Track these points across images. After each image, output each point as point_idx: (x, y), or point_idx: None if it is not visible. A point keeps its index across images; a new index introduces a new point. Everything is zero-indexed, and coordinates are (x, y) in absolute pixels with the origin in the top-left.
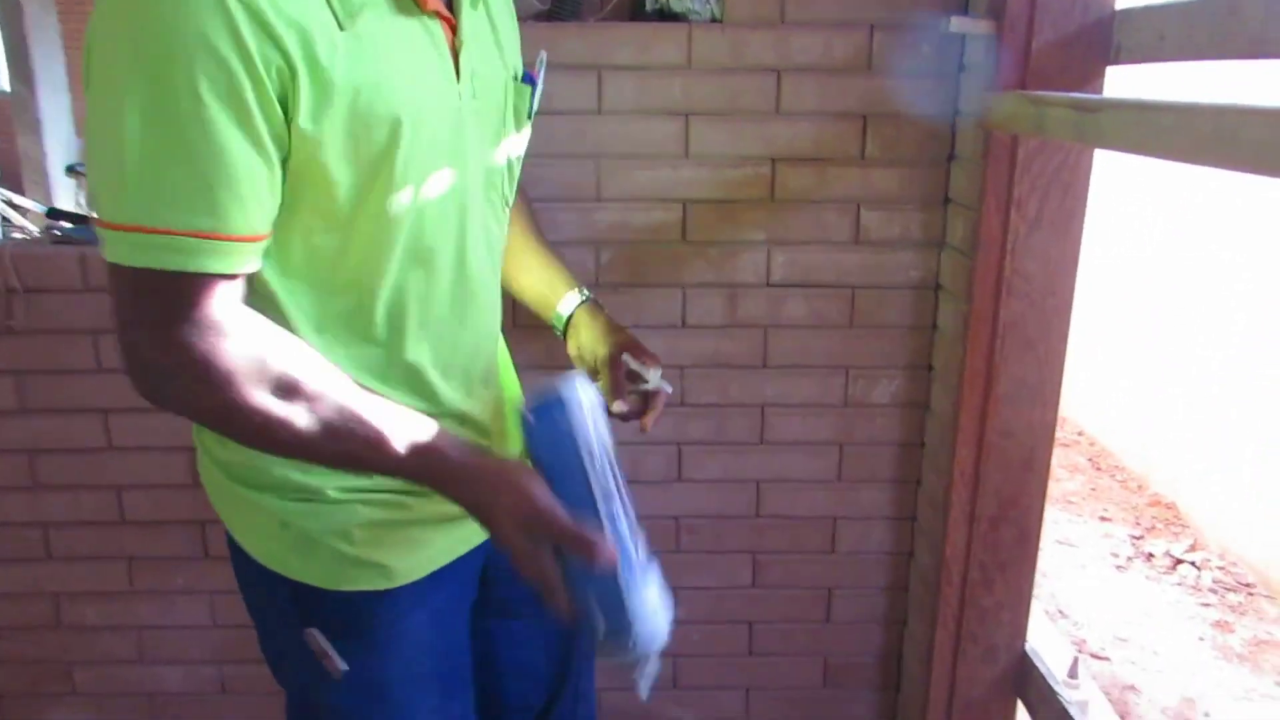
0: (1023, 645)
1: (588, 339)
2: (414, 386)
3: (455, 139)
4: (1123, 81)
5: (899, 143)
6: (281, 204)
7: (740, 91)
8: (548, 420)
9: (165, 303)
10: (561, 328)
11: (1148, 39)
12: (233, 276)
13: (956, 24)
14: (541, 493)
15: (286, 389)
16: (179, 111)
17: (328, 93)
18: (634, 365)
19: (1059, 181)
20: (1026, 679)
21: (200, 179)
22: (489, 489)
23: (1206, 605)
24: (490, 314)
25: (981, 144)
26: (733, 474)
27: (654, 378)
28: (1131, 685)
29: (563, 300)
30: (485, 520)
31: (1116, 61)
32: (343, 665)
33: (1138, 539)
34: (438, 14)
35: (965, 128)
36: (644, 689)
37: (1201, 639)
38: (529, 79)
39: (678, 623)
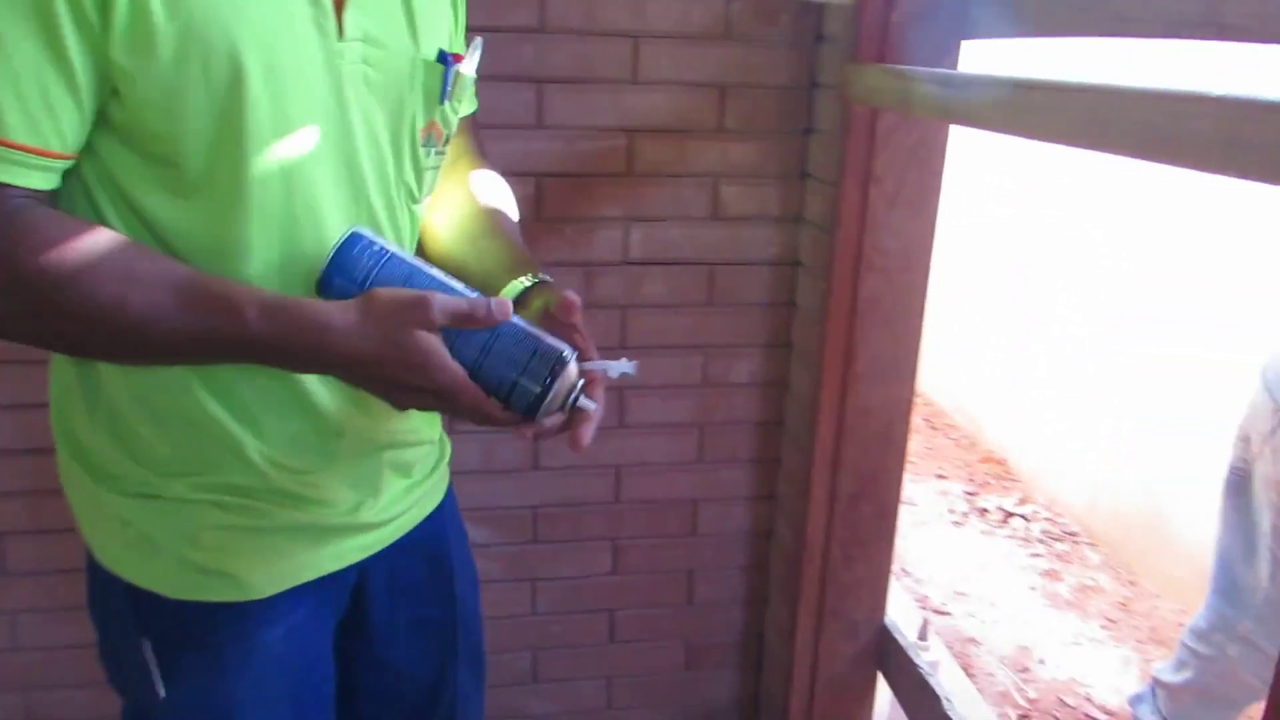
0: (882, 619)
1: (537, 305)
2: (291, 396)
3: (336, 105)
4: (981, 56)
5: (757, 115)
6: (129, 165)
7: (595, 58)
8: (348, 260)
9: None
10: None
11: (1006, 14)
12: (17, 189)
13: None
14: (403, 314)
15: (111, 275)
16: None
17: (147, 15)
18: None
19: (916, 158)
20: (886, 651)
21: None
22: (357, 335)
23: (1036, 556)
24: None
25: (840, 118)
26: (590, 460)
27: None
28: (972, 638)
29: (508, 288)
30: (359, 378)
31: (974, 35)
32: (161, 691)
33: (972, 495)
34: None
35: (823, 100)
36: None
37: (1033, 588)
38: (444, 58)
39: (538, 614)
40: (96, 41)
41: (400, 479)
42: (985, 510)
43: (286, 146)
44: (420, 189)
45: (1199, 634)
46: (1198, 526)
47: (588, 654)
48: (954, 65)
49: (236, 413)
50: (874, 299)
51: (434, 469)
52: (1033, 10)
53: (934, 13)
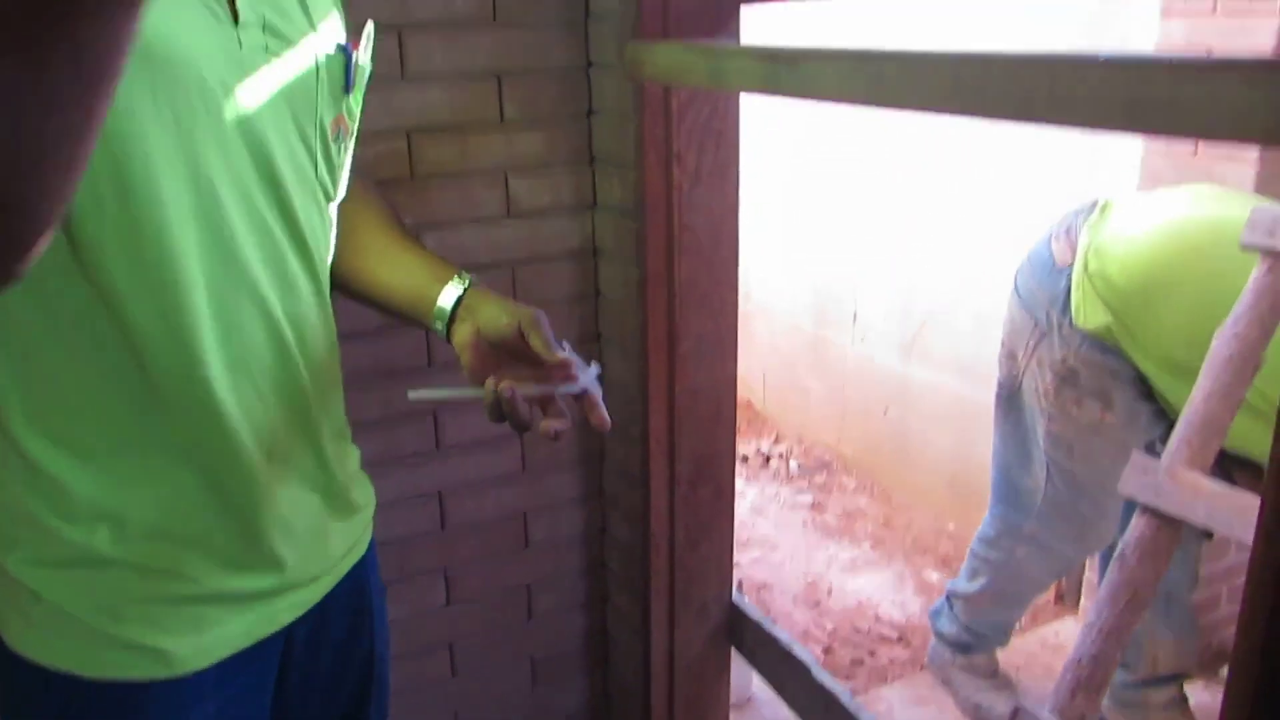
0: (730, 595)
1: (491, 312)
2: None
3: (241, 98)
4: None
5: (537, 101)
6: None
7: None
8: None
9: None
10: (445, 320)
11: None
12: None
13: None
14: None
15: None
16: None
17: None
18: (572, 355)
19: (711, 131)
20: (739, 628)
21: None
22: None
23: (801, 492)
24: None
25: (625, 98)
26: (411, 489)
27: (590, 375)
28: (764, 584)
29: (444, 292)
30: None
31: (750, 1)
32: None
33: None
34: None
35: (602, 80)
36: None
37: (805, 524)
38: (344, 48)
39: None
40: None
41: (338, 521)
42: (746, 457)
43: (189, 146)
44: (334, 188)
45: (988, 541)
46: (936, 440)
47: (430, 692)
48: (736, 33)
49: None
50: (690, 280)
51: (366, 504)
52: None
53: None
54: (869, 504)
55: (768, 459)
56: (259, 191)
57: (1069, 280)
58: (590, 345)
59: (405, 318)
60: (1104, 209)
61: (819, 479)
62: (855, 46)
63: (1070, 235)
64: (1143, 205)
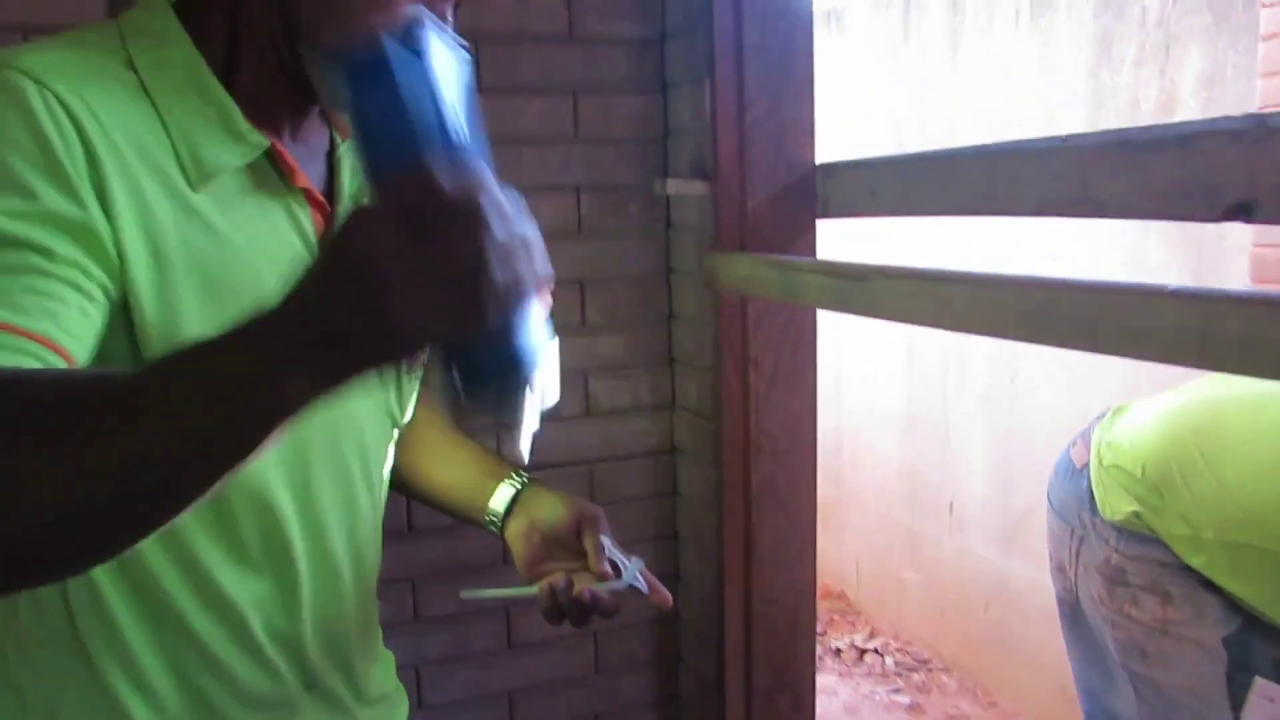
0: None
1: (549, 506)
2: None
3: None
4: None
5: (618, 306)
6: None
7: None
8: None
9: None
10: (499, 521)
11: (859, 194)
12: None
13: (669, 186)
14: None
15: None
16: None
17: (161, 261)
18: (615, 554)
19: (789, 337)
20: None
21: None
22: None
23: (897, 691)
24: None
25: (705, 303)
26: (479, 690)
27: (630, 571)
28: None
29: (496, 493)
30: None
31: (826, 215)
32: None
33: (821, 635)
34: (308, 195)
35: (681, 286)
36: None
37: None
38: None
39: None
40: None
41: None
42: (839, 650)
43: None
44: (403, 415)
45: None
46: (1044, 640)
47: None
48: (812, 244)
49: (130, 677)
50: (767, 483)
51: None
52: (890, 189)
53: (783, 197)
54: (971, 708)
55: (862, 654)
56: (343, 435)
57: (1089, 479)
58: (667, 545)
59: (458, 516)
60: (1116, 411)
61: (917, 678)
62: (925, 267)
63: (1085, 438)
64: (1151, 401)
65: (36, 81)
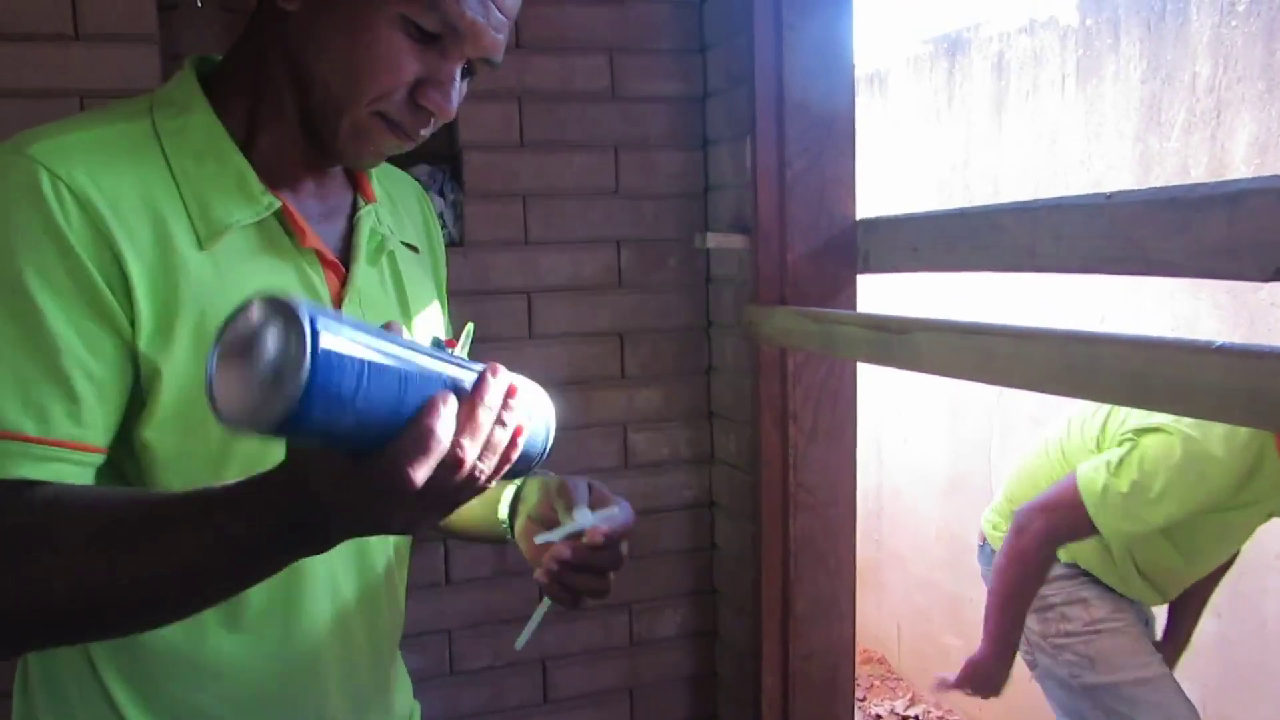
0: None
1: (534, 495)
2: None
3: None
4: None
5: (657, 359)
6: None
7: (490, 317)
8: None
9: None
10: (508, 523)
11: (899, 250)
12: (50, 486)
13: (710, 240)
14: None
15: (51, 543)
16: (5, 305)
17: (170, 316)
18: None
19: (828, 391)
20: None
21: (22, 376)
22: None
23: None
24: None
25: (744, 356)
26: None
27: (581, 517)
28: None
29: (500, 501)
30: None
31: (866, 270)
32: None
33: (861, 701)
34: (320, 256)
35: (721, 339)
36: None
37: None
38: (437, 342)
39: None
40: (123, 318)
41: None
42: (879, 717)
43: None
44: None
45: None
46: None
47: None
48: (852, 299)
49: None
50: (806, 538)
51: None
52: (932, 245)
53: (824, 251)
54: None
55: None
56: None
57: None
58: (705, 600)
59: (486, 538)
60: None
61: None
62: (966, 320)
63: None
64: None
65: (48, 170)
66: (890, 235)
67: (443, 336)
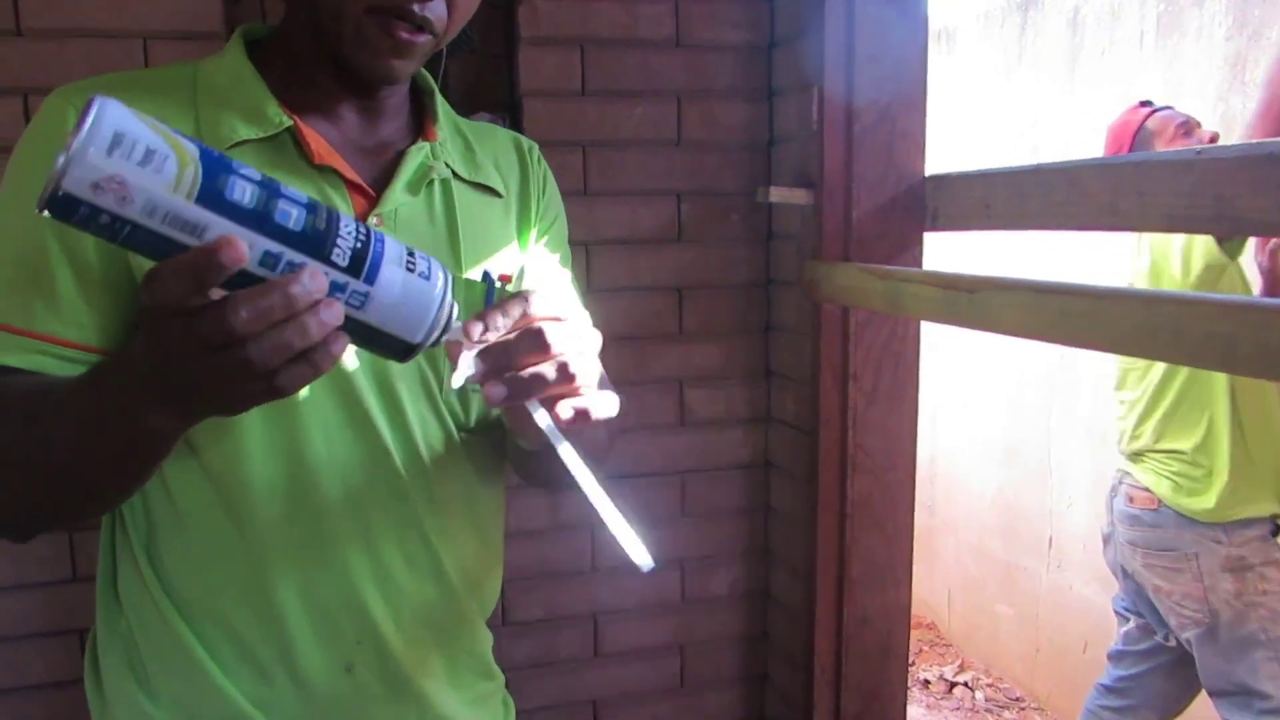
0: None
1: None
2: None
3: None
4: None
5: (716, 315)
6: None
7: None
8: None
9: None
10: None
11: (970, 207)
12: (34, 375)
13: (772, 194)
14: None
15: None
16: (7, 214)
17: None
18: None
19: (890, 352)
20: None
21: (11, 278)
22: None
23: None
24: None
25: (805, 315)
26: (565, 696)
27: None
28: None
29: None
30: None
31: (934, 228)
32: None
33: (910, 665)
34: (341, 176)
35: (781, 296)
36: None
37: None
38: (487, 276)
39: None
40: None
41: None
42: (928, 682)
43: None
44: (467, 413)
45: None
46: None
47: None
48: (918, 258)
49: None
50: (863, 501)
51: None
52: (1005, 202)
53: (891, 208)
54: None
55: (952, 687)
56: (382, 421)
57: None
58: (758, 560)
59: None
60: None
61: (1008, 716)
62: (1041, 278)
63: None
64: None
65: (72, 101)
66: (961, 192)
67: (495, 270)
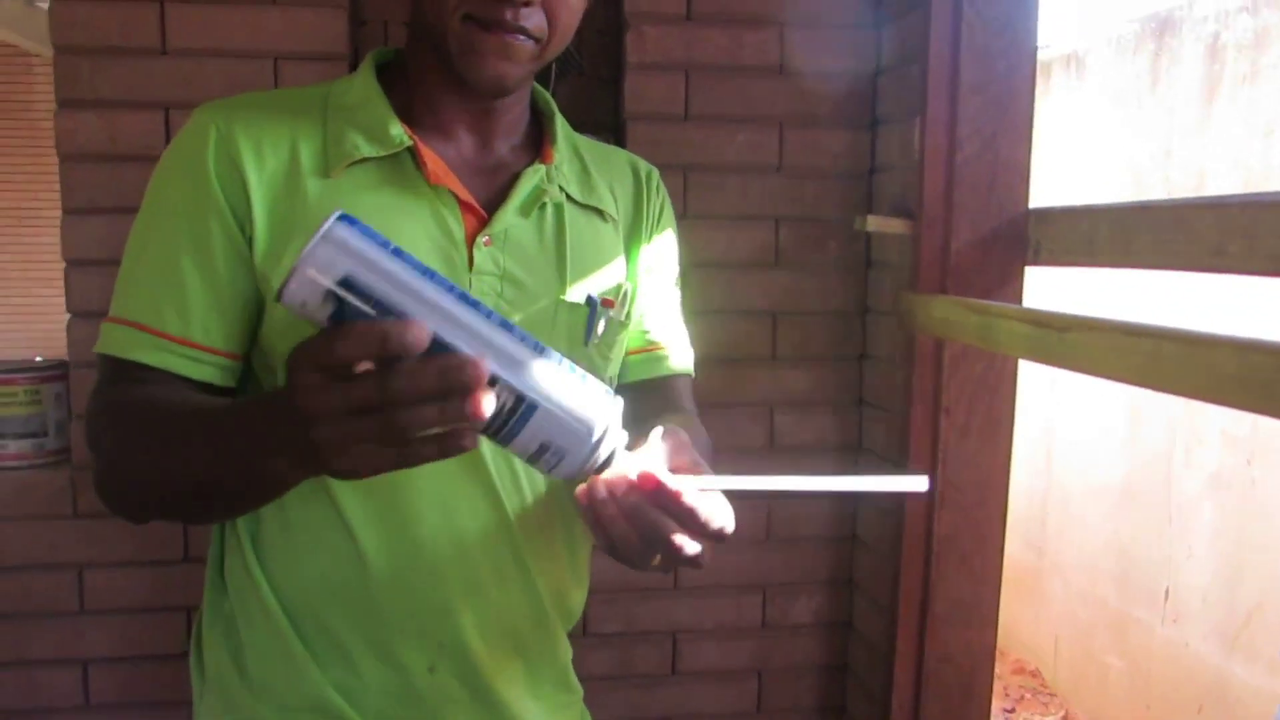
0: None
1: None
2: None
3: None
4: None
5: (809, 342)
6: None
7: None
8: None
9: (103, 382)
10: None
11: (1075, 242)
12: (163, 372)
13: (871, 222)
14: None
15: (129, 427)
16: (150, 222)
17: (285, 234)
18: None
19: (985, 386)
20: None
21: (148, 282)
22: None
23: None
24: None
25: (898, 345)
26: (639, 712)
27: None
28: None
29: None
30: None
31: (1036, 262)
32: None
33: (1009, 712)
34: (455, 196)
35: (876, 326)
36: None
37: None
38: (591, 300)
39: None
40: (242, 242)
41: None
42: None
43: None
44: None
45: None
46: None
47: None
48: (1019, 292)
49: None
50: (950, 537)
51: None
52: (1109, 239)
53: (991, 240)
54: None
55: None
56: (485, 446)
57: None
58: (841, 590)
59: None
60: None
61: None
62: (1133, 320)
63: None
64: None
65: (213, 119)
66: (1065, 227)
67: (599, 295)
